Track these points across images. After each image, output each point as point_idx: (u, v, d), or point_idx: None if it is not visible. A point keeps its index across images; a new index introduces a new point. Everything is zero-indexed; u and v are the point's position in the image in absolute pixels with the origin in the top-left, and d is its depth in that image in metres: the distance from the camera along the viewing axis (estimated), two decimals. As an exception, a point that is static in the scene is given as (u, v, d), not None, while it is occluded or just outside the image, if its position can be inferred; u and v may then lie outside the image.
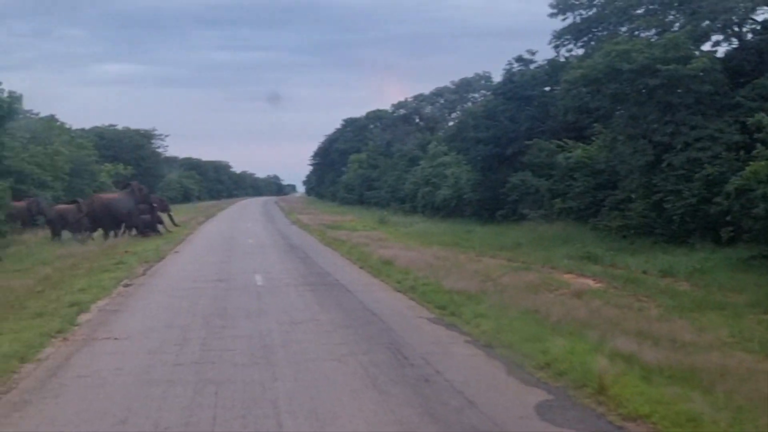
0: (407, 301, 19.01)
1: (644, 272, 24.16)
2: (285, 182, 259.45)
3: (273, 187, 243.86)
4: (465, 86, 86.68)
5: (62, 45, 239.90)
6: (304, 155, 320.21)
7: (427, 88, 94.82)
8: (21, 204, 48.18)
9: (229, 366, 11.80)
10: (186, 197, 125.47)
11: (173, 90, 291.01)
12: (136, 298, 19.52)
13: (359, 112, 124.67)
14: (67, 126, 76.17)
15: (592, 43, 38.99)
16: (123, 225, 45.30)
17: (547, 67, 51.90)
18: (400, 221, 57.01)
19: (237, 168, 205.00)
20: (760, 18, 33.18)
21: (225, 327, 15.20)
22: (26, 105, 71.41)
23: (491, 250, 31.79)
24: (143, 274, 25.07)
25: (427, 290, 19.73)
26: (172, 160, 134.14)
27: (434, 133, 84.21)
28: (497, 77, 78.21)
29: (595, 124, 40.17)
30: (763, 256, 23.74)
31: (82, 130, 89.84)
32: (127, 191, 46.44)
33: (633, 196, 33.20)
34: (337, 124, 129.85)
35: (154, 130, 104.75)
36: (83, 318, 16.23)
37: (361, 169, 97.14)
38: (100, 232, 43.90)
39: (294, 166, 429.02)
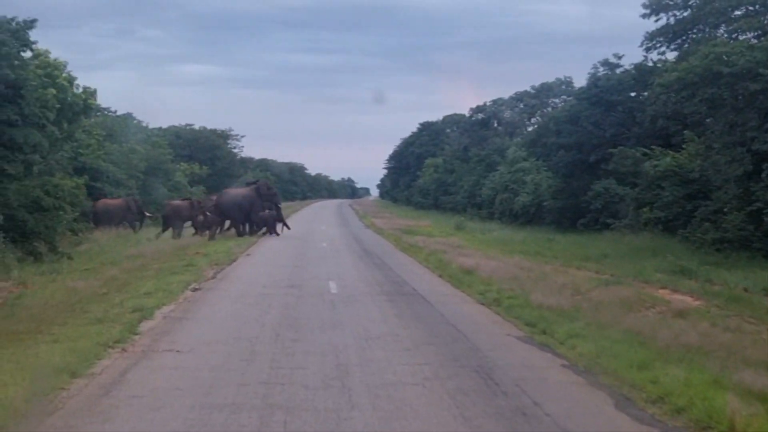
0: (492, 315, 17.63)
1: (745, 290, 22.40)
2: (359, 185, 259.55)
3: (347, 190, 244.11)
4: (545, 91, 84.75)
5: (143, 46, 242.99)
6: (378, 159, 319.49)
7: (503, 94, 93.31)
8: (119, 202, 49.12)
9: (300, 389, 10.53)
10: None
11: (250, 91, 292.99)
12: (203, 305, 18.40)
13: (435, 117, 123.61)
14: (144, 124, 76.24)
15: (686, 45, 37.10)
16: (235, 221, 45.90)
17: (633, 71, 50.12)
18: (477, 227, 55.53)
19: (312, 170, 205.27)
20: None
21: (296, 340, 13.96)
22: (105, 103, 72.01)
23: (576, 261, 30.20)
24: (213, 277, 24.02)
25: (513, 304, 18.34)
26: (248, 161, 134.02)
27: (513, 138, 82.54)
28: (578, 83, 76.81)
29: (685, 132, 38.35)
30: None
31: (159, 129, 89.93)
32: (254, 188, 46.91)
33: (727, 207, 31.39)
34: (413, 128, 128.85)
35: (230, 130, 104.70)
36: (145, 326, 15.10)
37: (437, 173, 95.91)
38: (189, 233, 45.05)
39: (368, 169, 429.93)
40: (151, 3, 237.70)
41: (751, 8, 34.20)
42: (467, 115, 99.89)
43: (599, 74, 51.51)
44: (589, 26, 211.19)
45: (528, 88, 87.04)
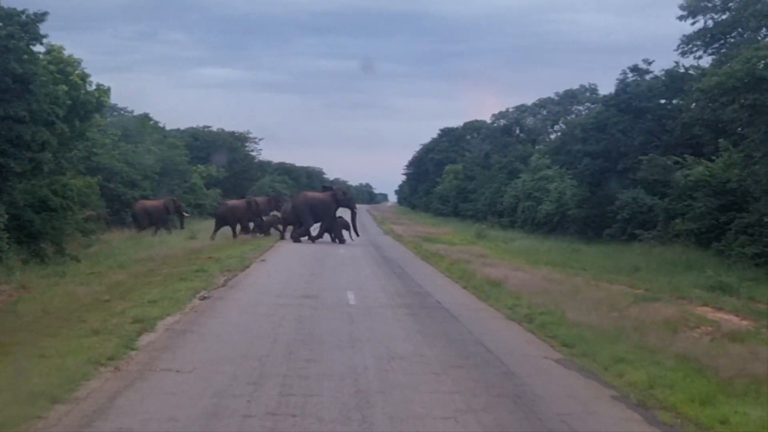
0: (524, 333, 16.17)
1: (793, 309, 20.92)
2: (377, 191, 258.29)
3: (365, 195, 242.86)
4: (569, 98, 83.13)
5: (166, 48, 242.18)
6: (397, 165, 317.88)
7: (526, 101, 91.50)
8: (157, 203, 49.78)
9: (314, 422, 9.10)
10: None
11: (272, 95, 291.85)
12: (211, 316, 16.97)
13: (456, 123, 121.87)
14: (161, 125, 75.15)
15: (723, 50, 35.55)
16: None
17: (664, 78, 48.56)
18: (499, 236, 54.01)
19: (330, 175, 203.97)
20: None
21: (311, 360, 12.53)
22: (125, 104, 71.01)
23: (606, 274, 28.66)
24: (223, 285, 22.59)
25: (546, 321, 16.90)
26: (266, 164, 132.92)
27: (535, 145, 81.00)
28: (603, 91, 75.31)
29: (720, 140, 36.77)
30: None
31: (177, 130, 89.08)
32: (330, 193, 46.73)
33: (767, 219, 29.82)
34: (433, 134, 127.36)
35: (248, 133, 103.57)
36: (145, 340, 13.68)
37: (457, 180, 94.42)
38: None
39: (387, 175, 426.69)
40: (173, 6, 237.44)
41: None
42: (489, 121, 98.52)
43: (628, 80, 49.92)
44: (614, 36, 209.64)
45: (552, 95, 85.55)
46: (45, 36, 28.95)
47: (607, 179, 48.69)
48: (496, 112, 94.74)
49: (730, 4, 36.45)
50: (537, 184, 61.96)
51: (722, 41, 35.62)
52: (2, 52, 26.03)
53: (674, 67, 47.53)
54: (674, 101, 48.68)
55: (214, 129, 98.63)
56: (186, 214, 53.60)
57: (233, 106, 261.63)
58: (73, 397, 9.78)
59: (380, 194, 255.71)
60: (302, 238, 45.17)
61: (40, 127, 27.55)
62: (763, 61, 27.36)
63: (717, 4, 36.96)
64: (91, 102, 36.94)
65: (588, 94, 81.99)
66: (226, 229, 46.91)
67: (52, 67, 32.41)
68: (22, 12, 27.86)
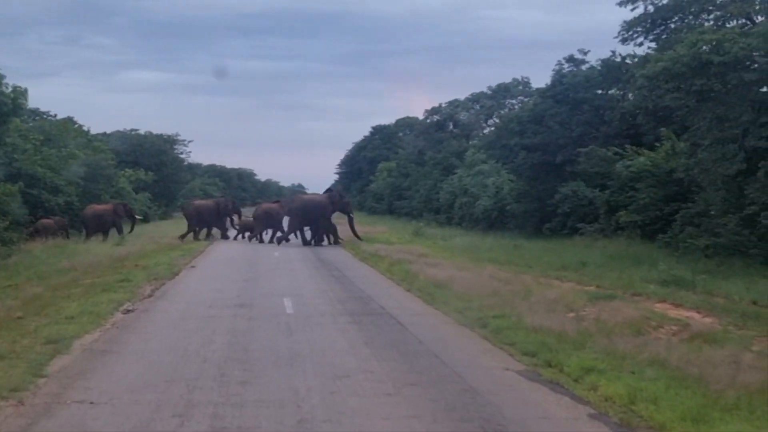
0: (480, 341, 14.79)
1: (754, 303, 19.86)
2: (309, 191, 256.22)
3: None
4: (503, 92, 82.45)
5: (92, 52, 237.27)
6: (329, 165, 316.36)
7: (458, 98, 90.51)
8: (107, 207, 49.44)
9: (251, 465, 7.65)
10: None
11: (201, 98, 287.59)
12: (135, 332, 15.34)
13: (388, 121, 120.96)
14: (85, 128, 72.85)
15: (665, 36, 34.62)
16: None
17: (599, 68, 47.79)
18: (437, 234, 52.63)
19: (262, 176, 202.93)
20: None
21: (246, 383, 11.02)
22: (51, 109, 68.65)
23: (553, 271, 27.53)
24: (150, 295, 20.93)
25: (501, 326, 15.56)
26: (196, 167, 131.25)
27: (470, 140, 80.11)
28: (535, 84, 74.71)
29: (662, 129, 35.96)
30: None
31: (104, 134, 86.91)
32: (327, 195, 46.74)
33: (714, 210, 28.96)
34: (365, 133, 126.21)
35: (177, 135, 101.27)
36: (57, 364, 12.05)
37: (391, 177, 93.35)
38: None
39: (319, 175, 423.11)
40: (99, 10, 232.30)
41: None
42: (422, 117, 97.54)
43: (564, 71, 49.02)
44: (542, 32, 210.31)
45: (485, 89, 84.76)
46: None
47: (545, 173, 47.84)
48: (429, 108, 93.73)
49: (671, -11, 35.58)
50: (473, 179, 60.93)
51: (663, 27, 34.74)
52: None
53: (611, 56, 46.81)
54: (611, 91, 48.01)
55: (142, 132, 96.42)
56: (138, 218, 53.93)
57: (163, 109, 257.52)
58: (-41, 445, 8.21)
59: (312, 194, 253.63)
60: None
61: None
62: (707, 45, 26.39)
63: (657, -12, 36.07)
64: (7, 104, 35.10)
65: (521, 87, 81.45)
66: (157, 232, 45.90)
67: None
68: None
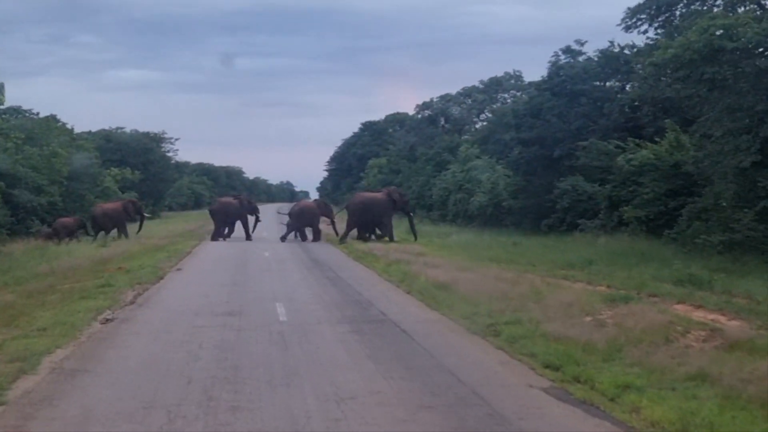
0: (495, 352, 13.35)
1: (779, 303, 18.51)
2: (298, 189, 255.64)
3: (286, 194, 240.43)
4: (495, 85, 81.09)
5: (78, 51, 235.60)
6: (319, 162, 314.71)
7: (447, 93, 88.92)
8: (116, 205, 49.00)
9: None
10: (197, 203, 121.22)
11: (189, 96, 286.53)
12: (112, 346, 13.83)
13: (377, 118, 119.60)
14: (69, 126, 71.20)
15: (675, 22, 33.21)
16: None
17: (596, 59, 46.47)
18: (432, 231, 51.23)
19: (250, 174, 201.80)
20: None
21: (237, 409, 9.58)
22: (37, 109, 67.12)
23: (558, 270, 26.13)
24: (131, 302, 19.42)
25: (516, 334, 14.19)
26: (184, 165, 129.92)
27: (462, 135, 78.74)
28: (528, 78, 73.49)
29: (666, 120, 34.62)
30: None
31: (89, 132, 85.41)
32: (386, 193, 45.46)
33: (726, 203, 27.60)
34: (355, 129, 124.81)
35: (163, 133, 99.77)
36: (20, 388, 10.57)
37: (381, 174, 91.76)
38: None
39: (308, 172, 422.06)
40: (84, 8, 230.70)
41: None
42: (412, 113, 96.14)
43: (561, 62, 47.65)
44: (530, 27, 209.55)
45: (476, 83, 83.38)
46: None
47: (543, 167, 46.50)
48: (420, 102, 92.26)
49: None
50: (468, 175, 59.51)
51: (668, 14, 33.36)
52: None
53: (609, 46, 45.50)
54: (610, 83, 46.73)
55: (128, 130, 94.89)
56: (147, 216, 54.02)
57: (150, 107, 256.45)
58: None
59: (302, 192, 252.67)
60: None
61: None
62: (719, 31, 25.04)
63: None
64: (-19, 100, 33.72)
65: (513, 81, 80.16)
66: (143, 233, 44.93)
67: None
68: None
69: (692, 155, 30.08)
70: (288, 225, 48.02)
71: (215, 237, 47.06)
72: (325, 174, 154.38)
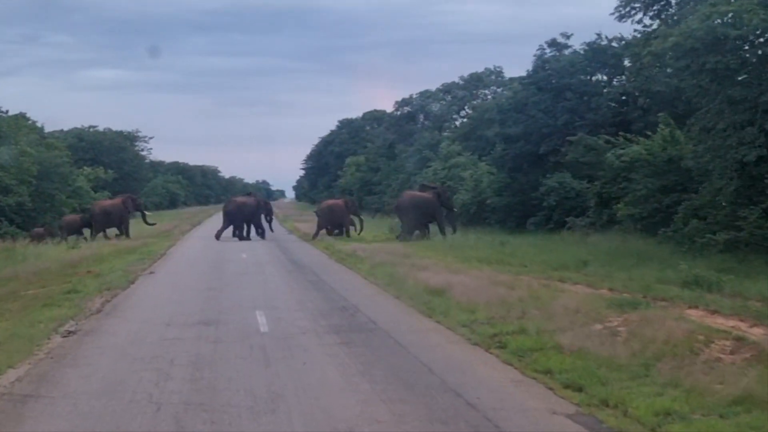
0: (504, 368, 11.89)
1: (799, 306, 17.16)
2: (274, 187, 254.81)
3: (262, 193, 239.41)
4: (475, 82, 79.74)
5: (51, 51, 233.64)
6: (295, 160, 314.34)
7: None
8: (116, 202, 49.75)
9: None
10: (172, 203, 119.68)
11: (163, 95, 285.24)
12: (73, 364, 12.25)
13: (354, 115, 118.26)
14: (39, 125, 69.41)
15: (671, 10, 31.80)
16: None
17: (583, 53, 45.18)
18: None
19: (226, 173, 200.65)
20: None
21: (213, 446, 8.14)
22: (11, 109, 65.40)
23: (553, 271, 24.65)
24: (99, 311, 17.87)
25: (524, 346, 12.78)
26: (158, 165, 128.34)
27: (442, 131, 77.36)
28: (508, 74, 72.29)
29: (660, 114, 33.33)
30: None
31: (61, 131, 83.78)
32: (434, 192, 44.48)
33: (724, 200, 26.30)
34: (331, 128, 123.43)
35: (137, 131, 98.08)
36: (-42, 420, 9.12)
37: (360, 172, 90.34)
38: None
39: (284, 171, 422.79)
40: (58, 8, 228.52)
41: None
42: (391, 110, 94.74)
43: (546, 56, 46.30)
44: (504, 26, 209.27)
45: (456, 79, 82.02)
46: None
47: (528, 164, 45.24)
48: (399, 99, 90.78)
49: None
50: (450, 172, 58.03)
51: (663, 2, 31.98)
52: None
53: (596, 39, 44.22)
54: (596, 77, 45.50)
55: (101, 129, 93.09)
56: (148, 213, 54.76)
57: (124, 107, 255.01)
58: None
59: (278, 191, 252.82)
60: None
61: None
62: (723, 18, 23.71)
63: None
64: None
65: (494, 77, 78.88)
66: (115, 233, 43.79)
67: None
68: None
69: (692, 149, 28.71)
70: (318, 224, 46.98)
71: (219, 236, 46.19)
72: (302, 172, 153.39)
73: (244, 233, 46.92)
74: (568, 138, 40.13)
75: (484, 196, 49.79)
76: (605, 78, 45.72)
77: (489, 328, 14.57)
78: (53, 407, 9.73)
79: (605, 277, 22.70)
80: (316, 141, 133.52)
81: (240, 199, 50.18)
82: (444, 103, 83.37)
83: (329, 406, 9.62)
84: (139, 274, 26.06)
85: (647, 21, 32.97)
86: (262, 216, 48.89)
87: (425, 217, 43.45)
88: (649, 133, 34.40)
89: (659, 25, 30.47)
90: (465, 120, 75.42)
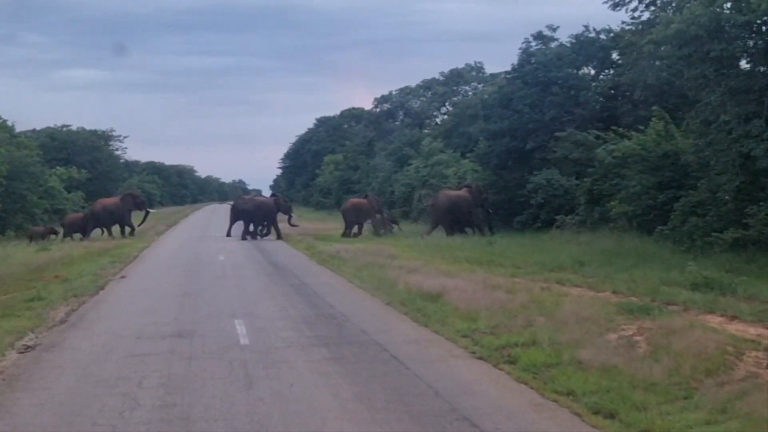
0: (519, 389, 10.44)
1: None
2: (250, 187, 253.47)
3: (239, 192, 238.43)
4: (456, 78, 78.39)
5: (26, 51, 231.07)
6: (272, 159, 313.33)
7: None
8: (116, 200, 49.20)
9: None
10: (148, 202, 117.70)
11: (138, 95, 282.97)
12: (26, 388, 10.71)
13: (332, 113, 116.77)
14: (9, 124, 67.55)
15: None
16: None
17: (569, 45, 43.91)
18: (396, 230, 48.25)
19: (202, 173, 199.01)
20: None
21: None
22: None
23: (549, 273, 23.24)
24: (63, 321, 16.33)
25: (537, 361, 11.45)
26: (134, 164, 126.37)
27: (423, 128, 76.00)
28: (489, 70, 71.08)
29: (653, 108, 32.05)
30: None
31: (33, 131, 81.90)
32: (467, 190, 43.83)
33: (727, 196, 25.00)
34: (309, 126, 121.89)
35: (111, 131, 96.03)
36: None
37: (338, 170, 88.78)
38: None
39: (261, 170, 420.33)
40: (33, 8, 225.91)
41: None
42: (370, 107, 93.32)
43: (532, 49, 44.89)
44: (483, 25, 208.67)
45: (437, 76, 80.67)
46: None
47: (514, 160, 43.89)
48: (378, 96, 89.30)
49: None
50: (433, 170, 56.58)
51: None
52: None
53: (583, 31, 42.96)
54: (584, 70, 44.25)
55: (74, 128, 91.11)
56: (151, 211, 55.74)
57: (100, 107, 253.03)
58: None
59: (254, 190, 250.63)
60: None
61: None
62: (728, 2, 22.41)
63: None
64: None
65: (474, 73, 77.60)
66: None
67: None
68: None
69: (692, 143, 27.41)
70: (346, 222, 46.41)
71: (245, 236, 45.74)
72: (279, 171, 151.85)
73: (264, 231, 46.80)
74: (556, 133, 38.80)
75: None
76: (593, 72, 44.45)
77: (494, 338, 13.19)
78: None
79: (605, 278, 21.38)
80: (293, 140, 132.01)
81: (259, 198, 50.30)
82: (424, 99, 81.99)
83: (324, 440, 8.18)
84: (109, 278, 24.56)
85: (642, 10, 31.68)
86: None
87: (463, 217, 42.73)
88: (641, 127, 33.15)
89: (652, 14, 29.16)
90: (446, 116, 74.07)
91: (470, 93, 75.56)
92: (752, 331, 14.00)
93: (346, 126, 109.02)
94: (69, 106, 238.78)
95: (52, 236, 45.36)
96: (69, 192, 67.26)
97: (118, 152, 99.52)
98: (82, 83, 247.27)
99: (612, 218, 32.35)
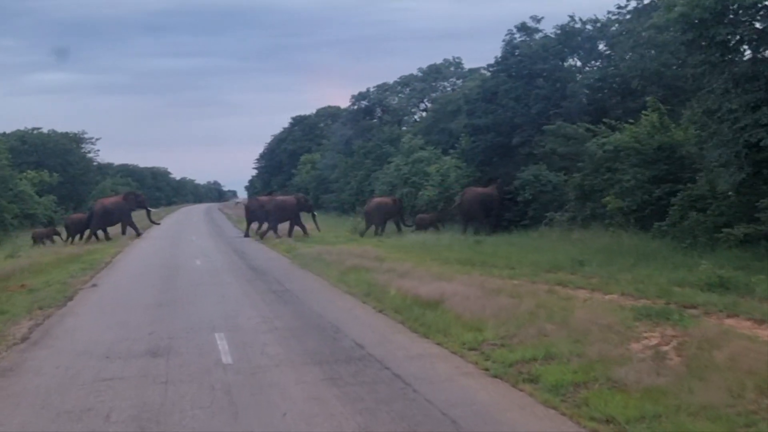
0: (547, 414, 9.02)
1: None
2: (226, 188, 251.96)
3: (214, 194, 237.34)
4: (434, 74, 77.01)
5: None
6: (248, 160, 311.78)
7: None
8: (117, 199, 49.38)
9: None
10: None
11: (111, 97, 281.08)
12: (-25, 424, 9.33)
13: (308, 112, 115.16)
14: (-24, 127, 66.07)
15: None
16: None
17: (554, 36, 42.61)
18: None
19: (177, 174, 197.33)
20: None
21: None
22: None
23: (548, 274, 21.86)
24: (24, 338, 14.80)
25: (564, 380, 10.10)
26: (106, 167, 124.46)
27: (402, 125, 74.60)
28: (468, 65, 69.85)
29: (647, 98, 30.76)
30: None
31: (3, 134, 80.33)
32: (494, 186, 42.38)
33: (732, 191, 23.75)
34: (284, 125, 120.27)
35: (83, 133, 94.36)
36: None
37: (315, 170, 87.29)
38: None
39: (236, 171, 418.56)
40: (3, 12, 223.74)
41: None
42: (347, 104, 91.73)
43: (516, 41, 43.52)
44: (455, 22, 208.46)
45: (415, 71, 79.31)
46: None
47: (499, 156, 42.47)
48: (356, 93, 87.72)
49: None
50: (414, 167, 55.11)
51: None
52: None
53: (569, 22, 41.64)
54: (570, 61, 42.99)
55: (45, 131, 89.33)
56: (151, 210, 55.20)
57: (72, 110, 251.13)
58: None
59: (229, 191, 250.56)
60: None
61: None
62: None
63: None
64: None
65: (453, 69, 76.29)
66: (60, 240, 40.73)
67: None
68: None
69: (695, 134, 26.10)
70: (367, 221, 45.86)
71: (266, 233, 45.74)
72: (255, 172, 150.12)
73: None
74: (544, 127, 37.46)
75: (451, 191, 46.92)
76: (579, 63, 43.21)
77: (506, 352, 11.82)
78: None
79: (609, 279, 20.05)
80: (268, 140, 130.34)
81: (280, 197, 49.79)
82: (402, 96, 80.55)
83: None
84: (79, 287, 23.03)
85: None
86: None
87: (488, 213, 41.72)
88: (630, 120, 31.87)
89: (638, 3, 27.88)
90: (425, 113, 72.72)
91: (449, 89, 74.25)
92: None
93: (322, 125, 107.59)
94: (41, 109, 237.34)
95: (55, 237, 45.75)
96: (40, 196, 65.87)
97: (90, 155, 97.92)
98: (53, 86, 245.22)
99: (605, 214, 31.00)
